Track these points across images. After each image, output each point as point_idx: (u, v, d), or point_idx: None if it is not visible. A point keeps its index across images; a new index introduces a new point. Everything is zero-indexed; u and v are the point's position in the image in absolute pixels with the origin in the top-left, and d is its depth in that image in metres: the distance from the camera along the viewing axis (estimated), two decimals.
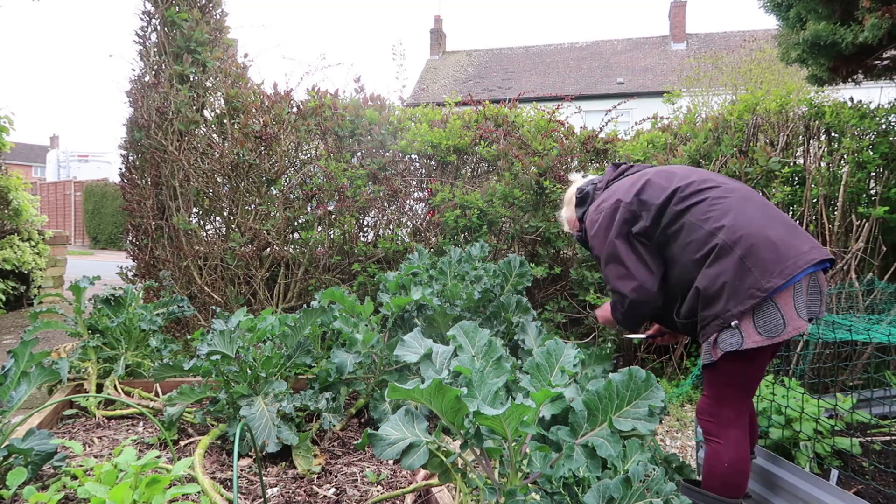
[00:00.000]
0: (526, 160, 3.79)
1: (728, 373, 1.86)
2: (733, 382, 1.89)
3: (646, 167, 2.18)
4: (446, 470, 1.57)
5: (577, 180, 2.39)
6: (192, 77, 4.23)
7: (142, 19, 4.33)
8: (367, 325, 2.79)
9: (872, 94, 3.98)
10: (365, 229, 4.22)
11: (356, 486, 2.10)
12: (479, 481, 1.55)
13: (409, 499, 1.93)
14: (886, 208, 3.26)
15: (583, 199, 2.27)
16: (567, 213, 2.39)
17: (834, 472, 2.23)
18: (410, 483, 2.07)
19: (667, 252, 1.96)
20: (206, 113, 4.28)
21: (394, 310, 2.73)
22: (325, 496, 2.03)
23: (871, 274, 3.29)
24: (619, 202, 2.01)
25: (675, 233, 1.93)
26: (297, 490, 2.05)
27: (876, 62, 3.92)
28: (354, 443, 2.46)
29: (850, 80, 4.14)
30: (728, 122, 3.73)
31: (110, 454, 2.25)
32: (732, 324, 1.80)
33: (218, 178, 4.17)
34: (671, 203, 1.94)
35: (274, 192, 4.09)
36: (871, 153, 3.39)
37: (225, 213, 4.21)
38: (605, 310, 2.22)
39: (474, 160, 4.08)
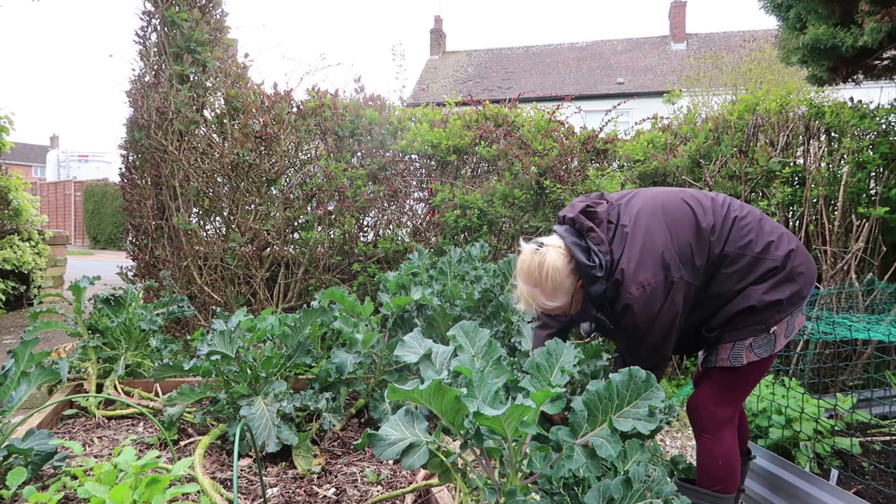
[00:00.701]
0: (526, 160, 3.79)
1: (747, 376, 1.85)
2: (746, 385, 1.90)
3: (635, 213, 1.88)
4: (446, 470, 1.57)
5: (542, 245, 1.86)
6: (192, 77, 4.23)
7: (142, 19, 4.33)
8: (367, 325, 2.79)
9: (872, 94, 3.98)
10: (365, 229, 4.22)
11: (356, 486, 2.10)
12: (479, 481, 1.55)
13: (409, 499, 1.93)
14: (886, 208, 3.26)
15: (594, 274, 1.80)
16: (561, 299, 1.86)
17: (834, 472, 2.23)
18: (410, 483, 2.07)
19: (707, 286, 1.84)
20: (206, 113, 4.28)
21: (394, 310, 2.73)
22: (325, 496, 2.03)
23: (871, 274, 3.29)
24: (674, 279, 1.76)
25: (716, 271, 1.82)
26: (297, 490, 2.05)
27: (876, 62, 3.92)
28: (354, 443, 2.46)
29: (850, 80, 4.14)
30: (728, 122, 3.73)
31: (110, 454, 2.25)
32: (772, 330, 1.79)
33: (218, 178, 4.17)
34: (710, 248, 1.81)
35: (274, 192, 4.09)
36: (871, 153, 3.39)
37: (225, 213, 4.21)
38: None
39: (474, 160, 4.08)
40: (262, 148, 4.03)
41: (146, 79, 4.27)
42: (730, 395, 1.88)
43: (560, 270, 1.82)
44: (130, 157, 4.39)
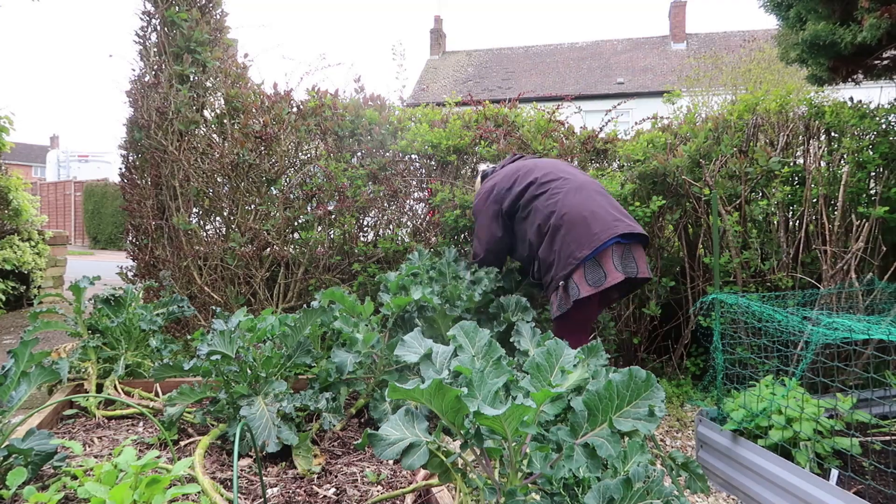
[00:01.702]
0: None
1: (570, 318, 2.61)
2: (575, 326, 2.65)
3: (527, 160, 2.98)
4: (446, 470, 1.57)
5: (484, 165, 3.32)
6: (192, 77, 4.23)
7: (142, 19, 4.33)
8: (367, 325, 2.79)
9: (872, 94, 3.98)
10: (365, 229, 4.22)
11: (356, 486, 2.10)
12: (479, 481, 1.55)
13: (409, 499, 1.93)
14: (886, 208, 3.26)
15: (483, 178, 3.16)
16: (476, 189, 3.19)
17: (834, 472, 2.23)
18: (410, 483, 2.07)
19: (520, 228, 2.76)
20: (206, 113, 4.28)
21: (394, 310, 2.73)
22: (325, 496, 2.03)
23: (871, 274, 3.29)
24: (495, 186, 2.85)
25: (527, 215, 2.70)
26: (297, 490, 2.05)
27: (876, 62, 3.92)
28: (354, 443, 2.46)
29: (849, 80, 4.14)
30: (728, 122, 3.73)
31: (110, 454, 2.25)
32: (560, 284, 2.54)
33: (218, 178, 4.17)
34: (526, 192, 2.72)
35: (274, 192, 4.09)
36: (871, 153, 3.39)
37: (225, 213, 4.21)
38: None
39: (474, 160, 4.08)
40: (262, 148, 4.03)
41: (146, 79, 4.27)
42: (568, 337, 2.44)
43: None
44: (130, 157, 4.39)
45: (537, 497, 1.51)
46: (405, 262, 3.29)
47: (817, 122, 3.55)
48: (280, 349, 2.62)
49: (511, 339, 2.52)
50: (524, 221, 2.75)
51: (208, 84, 4.30)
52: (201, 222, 4.29)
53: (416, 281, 2.97)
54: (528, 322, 2.69)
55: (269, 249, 4.08)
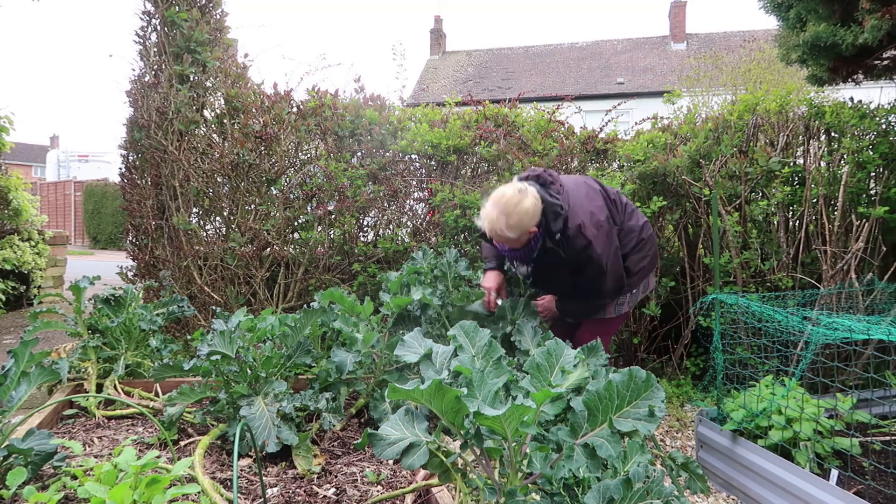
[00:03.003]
0: (526, 160, 3.78)
1: (617, 323, 2.78)
2: (614, 332, 2.84)
3: (563, 182, 2.51)
4: (446, 470, 1.57)
5: (526, 188, 2.34)
6: (192, 77, 4.23)
7: (142, 19, 4.33)
8: (367, 325, 2.79)
9: (872, 94, 3.98)
10: (365, 229, 4.22)
11: (356, 486, 2.10)
12: (479, 481, 1.55)
13: (409, 499, 1.93)
14: (886, 208, 3.26)
15: (557, 213, 2.33)
16: (514, 234, 2.33)
17: (834, 472, 2.23)
18: (410, 483, 2.07)
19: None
20: (206, 113, 4.28)
21: (394, 309, 2.73)
22: (325, 496, 2.03)
23: (871, 274, 3.29)
24: (599, 212, 2.43)
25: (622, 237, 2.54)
26: (297, 490, 2.05)
27: (876, 62, 3.92)
28: (354, 443, 2.46)
29: (850, 80, 4.14)
30: (728, 122, 3.72)
31: (110, 454, 2.25)
32: (633, 291, 2.63)
33: (218, 178, 4.17)
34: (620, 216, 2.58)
35: (274, 192, 4.09)
36: (871, 153, 3.39)
37: (225, 213, 4.21)
38: (549, 302, 2.73)
39: (474, 160, 4.08)
40: (262, 148, 4.03)
41: (146, 79, 4.26)
42: (606, 339, 2.62)
43: (529, 213, 2.30)
44: (130, 157, 4.39)
45: (537, 497, 1.51)
46: (409, 261, 3.29)
47: (817, 122, 3.54)
48: (280, 349, 2.62)
49: (512, 339, 2.52)
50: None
51: (208, 84, 4.30)
52: (201, 222, 4.28)
53: (419, 279, 2.96)
54: (530, 325, 2.69)
55: (269, 249, 4.08)
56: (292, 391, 2.47)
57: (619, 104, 4.60)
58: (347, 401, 2.81)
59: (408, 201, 4.13)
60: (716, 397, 2.67)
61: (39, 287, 6.71)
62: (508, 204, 2.29)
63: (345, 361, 2.53)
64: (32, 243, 6.61)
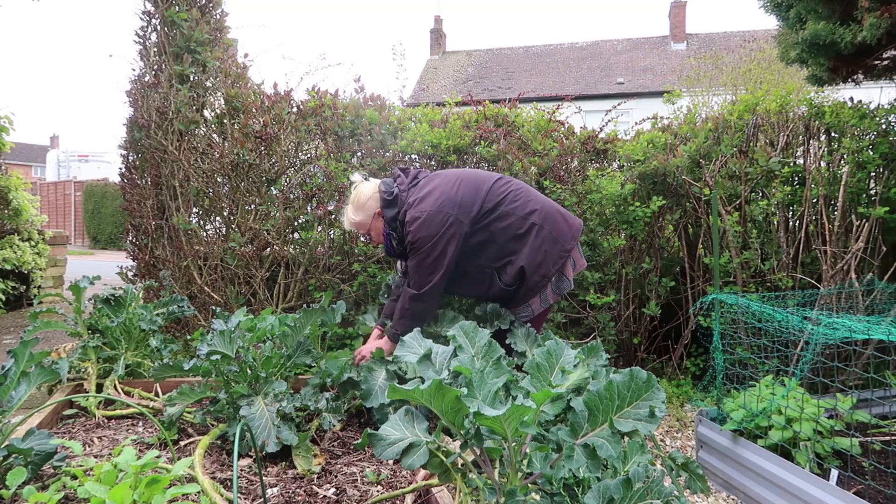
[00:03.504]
0: (526, 160, 3.78)
1: (541, 318, 2.69)
2: (539, 327, 2.69)
3: (433, 176, 2.60)
4: (446, 470, 1.57)
5: (366, 181, 2.66)
6: (192, 77, 4.23)
7: (142, 19, 4.33)
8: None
9: (872, 94, 3.98)
10: None
11: (356, 486, 2.10)
12: (479, 481, 1.55)
13: (409, 499, 1.93)
14: (886, 208, 3.26)
15: (392, 202, 2.55)
16: (361, 215, 2.60)
17: (834, 472, 2.23)
18: (410, 483, 2.07)
19: (482, 237, 2.49)
20: (206, 113, 4.28)
21: None
22: (325, 496, 2.03)
23: (871, 274, 3.29)
24: (449, 214, 2.41)
25: (491, 221, 2.48)
26: (297, 490, 2.05)
27: (876, 62, 3.92)
28: (354, 443, 2.46)
29: (850, 80, 4.14)
30: (728, 122, 3.73)
31: (110, 454, 2.25)
32: (552, 280, 2.53)
33: (218, 178, 4.17)
34: (488, 199, 2.49)
35: (274, 192, 4.09)
36: (871, 153, 3.39)
37: (225, 213, 4.21)
38: (374, 346, 2.66)
39: (474, 160, 4.08)
40: (262, 148, 4.03)
41: (146, 79, 4.27)
42: None
43: (364, 194, 2.59)
44: (130, 157, 4.39)
45: (537, 497, 1.51)
46: None
47: (817, 122, 3.55)
48: (280, 349, 2.62)
49: (507, 341, 2.52)
50: (489, 231, 2.50)
51: (208, 84, 4.30)
52: (201, 222, 4.29)
53: None
54: (527, 328, 2.68)
55: (269, 249, 4.08)
56: (292, 391, 2.47)
57: (619, 104, 4.61)
58: (349, 399, 2.81)
59: None
60: (716, 397, 2.68)
61: (39, 287, 6.71)
62: (353, 195, 2.64)
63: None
64: (32, 243, 6.61)
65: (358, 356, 2.68)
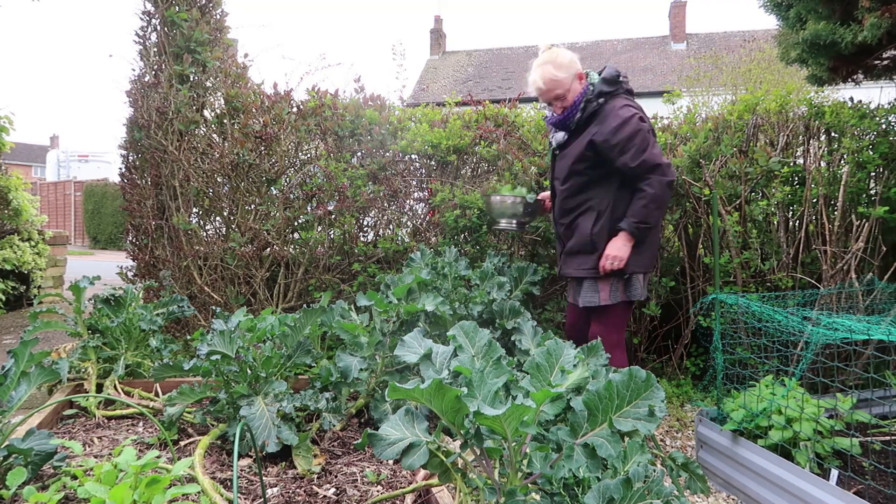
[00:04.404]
0: (526, 160, 3.78)
1: (622, 315, 2.66)
2: (619, 326, 2.64)
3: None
4: (446, 470, 1.57)
5: (568, 54, 2.57)
6: (192, 77, 4.23)
7: (142, 19, 4.33)
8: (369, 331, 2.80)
9: (872, 94, 3.98)
10: (365, 229, 4.22)
11: (356, 486, 2.10)
12: (479, 481, 1.55)
13: (409, 499, 1.93)
14: (886, 208, 3.26)
15: (614, 81, 2.51)
16: (563, 73, 2.52)
17: (834, 472, 2.23)
18: (410, 483, 2.07)
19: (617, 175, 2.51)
20: (206, 113, 4.28)
21: (404, 317, 2.73)
22: (325, 496, 2.03)
23: (871, 274, 3.29)
24: (646, 125, 2.49)
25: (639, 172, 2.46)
26: (297, 490, 2.05)
27: (876, 62, 3.91)
28: (354, 443, 2.46)
29: (850, 80, 4.13)
30: (728, 122, 3.72)
31: (110, 454, 2.25)
32: (633, 274, 2.52)
33: (218, 178, 4.17)
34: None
35: (274, 192, 4.09)
36: (871, 153, 3.38)
37: (225, 213, 4.21)
38: (618, 246, 2.50)
39: (474, 160, 4.08)
40: (262, 148, 4.03)
41: (146, 79, 4.27)
42: (620, 333, 2.67)
43: (565, 54, 2.53)
44: (130, 157, 4.39)
45: (537, 497, 1.51)
46: (406, 261, 3.29)
47: (817, 122, 3.54)
48: (280, 349, 2.63)
49: (512, 338, 2.52)
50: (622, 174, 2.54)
51: (208, 84, 4.30)
52: (201, 222, 4.28)
53: (427, 288, 2.94)
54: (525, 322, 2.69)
55: (269, 249, 4.08)
56: (292, 391, 2.47)
57: None
58: (347, 400, 2.81)
59: (408, 201, 4.14)
60: (716, 397, 2.67)
61: (39, 287, 6.71)
62: (552, 53, 2.54)
63: (350, 366, 2.54)
64: (32, 243, 6.61)
65: (605, 261, 2.53)
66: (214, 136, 4.20)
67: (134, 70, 4.35)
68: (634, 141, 2.41)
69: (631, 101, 2.54)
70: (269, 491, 2.03)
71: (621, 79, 2.54)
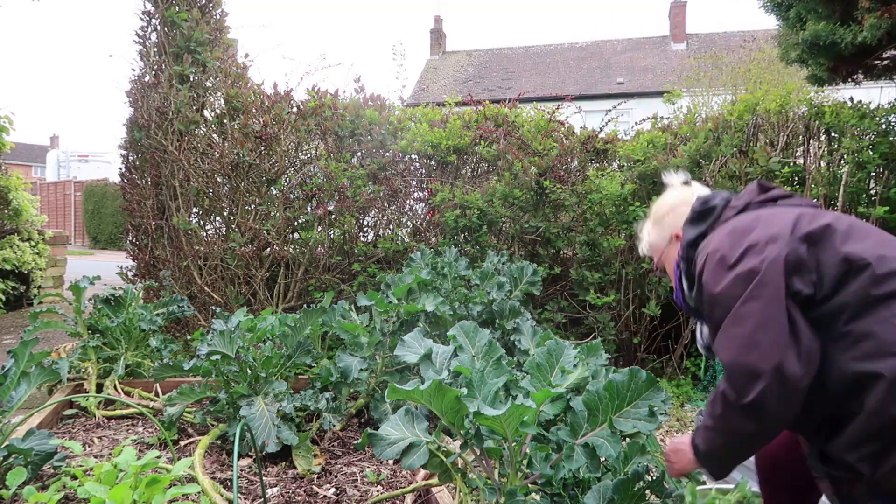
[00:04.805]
0: (526, 160, 3.78)
1: None
2: None
3: (814, 203, 1.52)
4: (446, 470, 1.57)
5: (690, 186, 1.62)
6: (192, 77, 4.23)
7: (142, 19, 4.33)
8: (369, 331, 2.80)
9: (872, 94, 3.98)
10: (365, 229, 4.22)
11: (356, 486, 2.10)
12: (479, 481, 1.55)
13: (409, 499, 1.93)
14: (886, 208, 3.26)
15: (703, 215, 1.47)
16: (655, 234, 1.63)
17: None
18: (410, 483, 2.07)
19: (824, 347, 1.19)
20: (206, 113, 4.28)
21: (404, 317, 2.73)
22: (325, 496, 2.03)
23: None
24: (777, 238, 1.24)
25: (851, 320, 1.17)
26: (297, 490, 2.05)
27: (876, 62, 3.91)
28: (354, 443, 2.46)
29: (850, 80, 4.13)
30: (728, 122, 3.72)
31: (110, 454, 2.25)
32: None
33: (218, 178, 4.17)
34: (864, 277, 1.17)
35: (274, 192, 4.09)
36: (871, 153, 3.38)
37: (225, 213, 4.21)
38: (679, 446, 1.36)
39: (474, 160, 4.08)
40: (262, 148, 4.03)
41: (146, 79, 4.27)
42: None
43: (667, 202, 1.62)
44: (130, 157, 4.39)
45: (537, 497, 1.51)
46: (407, 261, 3.29)
47: (817, 122, 3.54)
48: (280, 349, 2.62)
49: (513, 338, 2.52)
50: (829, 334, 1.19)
51: (208, 84, 4.30)
52: (201, 222, 4.28)
53: (426, 287, 2.94)
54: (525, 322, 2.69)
55: (269, 249, 4.08)
56: (292, 391, 2.47)
57: (619, 104, 4.60)
58: (347, 401, 2.81)
59: (408, 201, 4.14)
60: None
61: (39, 287, 6.70)
62: (656, 204, 1.70)
63: (350, 366, 2.54)
64: (32, 243, 6.61)
65: (670, 465, 1.41)
66: (214, 136, 4.20)
67: (134, 70, 4.35)
68: (717, 309, 1.28)
69: (728, 226, 1.39)
70: (269, 491, 2.03)
71: (712, 204, 1.49)
